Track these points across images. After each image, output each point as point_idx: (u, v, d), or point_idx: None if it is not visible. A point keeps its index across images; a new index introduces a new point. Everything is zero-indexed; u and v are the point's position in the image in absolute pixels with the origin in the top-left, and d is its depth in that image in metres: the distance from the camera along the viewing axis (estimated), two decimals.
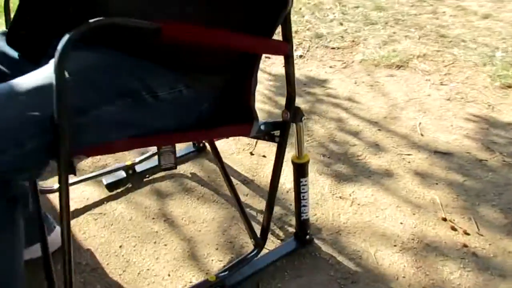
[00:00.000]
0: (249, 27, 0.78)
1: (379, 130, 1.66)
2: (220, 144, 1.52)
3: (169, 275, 1.06)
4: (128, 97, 0.70)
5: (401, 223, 1.18)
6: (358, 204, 1.26)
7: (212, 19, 0.74)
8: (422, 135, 1.61)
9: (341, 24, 3.02)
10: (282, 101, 1.02)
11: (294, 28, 2.98)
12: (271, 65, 2.38)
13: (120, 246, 1.16)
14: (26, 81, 0.64)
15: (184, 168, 1.46)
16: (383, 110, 1.80)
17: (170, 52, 0.73)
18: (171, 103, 0.76)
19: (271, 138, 0.93)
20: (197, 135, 0.84)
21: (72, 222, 1.25)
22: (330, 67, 2.32)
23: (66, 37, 0.56)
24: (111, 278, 1.06)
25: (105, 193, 1.37)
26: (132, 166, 1.43)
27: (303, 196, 1.02)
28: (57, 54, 0.56)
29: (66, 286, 0.71)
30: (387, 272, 1.03)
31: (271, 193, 0.96)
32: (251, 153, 1.55)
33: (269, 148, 1.57)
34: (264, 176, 1.42)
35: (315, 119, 1.76)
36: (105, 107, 0.67)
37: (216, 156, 1.17)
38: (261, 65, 2.30)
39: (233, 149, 1.59)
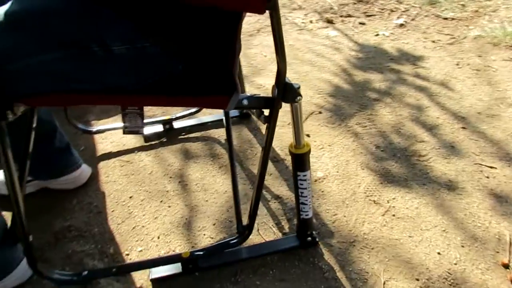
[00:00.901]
0: None
1: (463, 128, 1.31)
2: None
3: (158, 237, 1.02)
4: (72, 48, 0.62)
5: (439, 254, 0.91)
6: (393, 215, 1.02)
7: None
8: None
9: None
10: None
11: None
12: (360, 33, 2.08)
13: (130, 197, 1.16)
14: None
15: (220, 133, 1.37)
16: (481, 104, 1.42)
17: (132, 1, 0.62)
18: (130, 60, 0.65)
19: (263, 119, 0.77)
20: (166, 100, 0.73)
21: (102, 163, 1.29)
22: (433, 41, 1.92)
23: None
24: (109, 225, 1.07)
25: (140, 143, 1.38)
26: (169, 121, 1.41)
27: (301, 193, 0.85)
28: None
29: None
30: None
31: (259, 180, 0.81)
32: None
33: (316, 128, 1.37)
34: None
35: (386, 102, 1.48)
36: (41, 56, 0.60)
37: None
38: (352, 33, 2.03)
39: (279, 121, 1.43)
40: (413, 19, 2.23)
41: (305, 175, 0.83)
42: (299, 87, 0.72)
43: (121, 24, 0.63)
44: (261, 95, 0.76)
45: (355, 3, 2.53)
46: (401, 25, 2.18)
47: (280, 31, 0.65)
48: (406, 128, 1.33)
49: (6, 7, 0.60)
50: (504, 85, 1.52)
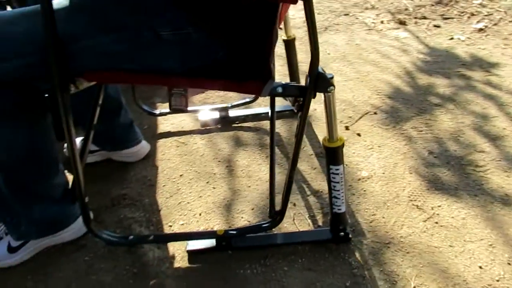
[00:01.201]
0: None
1: None
2: (321, 108, 1.40)
3: (200, 214, 1.09)
4: (125, 32, 0.69)
5: (481, 268, 0.86)
6: (436, 223, 0.98)
7: None
8: None
9: None
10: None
11: None
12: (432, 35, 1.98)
13: (181, 175, 1.25)
14: (36, 6, 0.70)
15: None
16: None
17: None
18: (176, 44, 0.71)
19: (297, 108, 0.79)
20: (206, 84, 0.78)
21: (160, 142, 1.40)
22: None
23: None
24: (158, 198, 1.17)
25: (196, 127, 1.47)
26: (226, 110, 1.48)
27: (334, 186, 0.85)
28: None
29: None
30: None
31: (291, 167, 0.83)
32: (347, 128, 1.37)
33: (368, 128, 1.35)
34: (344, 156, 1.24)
35: (448, 108, 1.40)
36: (99, 37, 0.69)
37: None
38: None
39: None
40: (495, 24, 2.07)
41: (337, 169, 0.83)
42: (332, 77, 0.73)
43: (169, 11, 0.69)
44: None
45: (433, 5, 2.41)
46: (480, 29, 2.03)
47: (313, 20, 0.66)
48: (466, 137, 1.26)
49: None
50: None
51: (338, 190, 0.85)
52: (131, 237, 0.96)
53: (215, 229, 1.04)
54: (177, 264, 0.96)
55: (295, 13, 2.32)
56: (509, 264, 0.86)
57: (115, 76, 0.74)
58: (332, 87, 0.73)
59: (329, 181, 0.86)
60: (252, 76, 0.73)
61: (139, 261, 0.98)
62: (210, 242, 0.97)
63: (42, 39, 0.65)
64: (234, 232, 0.93)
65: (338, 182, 0.84)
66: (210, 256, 0.96)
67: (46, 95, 0.76)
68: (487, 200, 1.02)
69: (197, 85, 0.77)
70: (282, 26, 1.34)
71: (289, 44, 1.34)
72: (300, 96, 0.75)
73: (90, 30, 0.68)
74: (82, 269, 0.98)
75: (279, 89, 0.73)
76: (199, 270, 0.94)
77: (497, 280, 0.83)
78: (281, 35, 1.36)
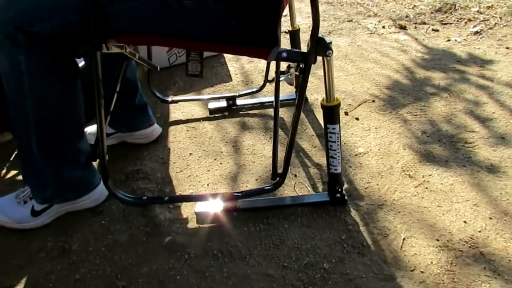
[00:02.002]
0: None
1: None
2: (322, 95, 1.49)
3: (208, 185, 1.19)
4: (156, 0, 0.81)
5: (465, 222, 0.93)
6: (426, 188, 1.06)
7: None
8: None
9: None
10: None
11: (490, 3, 2.49)
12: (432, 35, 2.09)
13: (190, 154, 1.35)
14: None
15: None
16: None
17: None
18: (196, 13, 0.83)
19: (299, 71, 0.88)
20: (221, 48, 0.88)
21: (172, 127, 1.51)
22: (507, 47, 1.86)
23: None
24: (169, 172, 1.26)
25: (206, 114, 1.58)
26: (233, 98, 1.59)
27: (331, 146, 0.94)
28: None
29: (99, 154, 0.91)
30: (404, 259, 0.86)
31: (291, 134, 0.92)
32: (346, 113, 1.46)
33: (366, 113, 1.45)
34: (342, 136, 1.33)
35: (442, 97, 1.49)
36: (132, 2, 0.81)
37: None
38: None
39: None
40: (490, 28, 2.17)
41: (334, 128, 0.92)
42: (330, 42, 0.83)
43: None
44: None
45: (432, 13, 2.53)
46: (476, 32, 2.13)
47: None
48: (458, 119, 1.34)
49: None
50: None
51: (335, 150, 0.94)
52: (144, 197, 1.06)
53: None
54: (186, 224, 1.05)
55: (301, 20, 2.46)
56: (490, 218, 0.93)
57: (142, 39, 0.85)
58: (330, 51, 0.83)
59: (327, 141, 0.94)
60: (260, 43, 0.83)
61: (151, 222, 1.07)
62: (216, 205, 1.05)
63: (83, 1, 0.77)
64: (240, 194, 1.02)
65: (334, 142, 0.93)
66: (216, 217, 1.05)
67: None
68: (474, 169, 1.10)
69: (213, 49, 0.88)
70: (287, 17, 1.46)
71: (294, 35, 1.45)
72: (302, 61, 0.84)
73: None
74: (99, 231, 1.07)
75: (284, 54, 0.83)
76: (207, 229, 1.03)
77: (479, 231, 0.90)
78: (287, 27, 1.48)
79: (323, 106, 0.93)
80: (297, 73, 0.91)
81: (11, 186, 1.30)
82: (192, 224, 1.05)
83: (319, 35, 0.83)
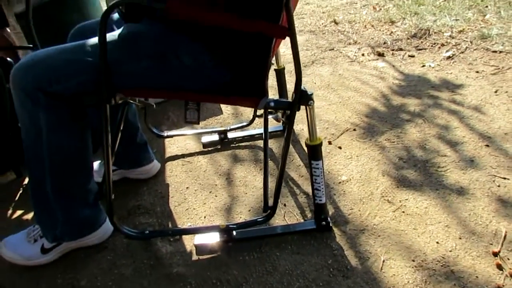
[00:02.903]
0: (254, 13, 0.87)
1: (486, 146, 1.41)
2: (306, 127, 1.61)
3: (204, 217, 1.28)
4: (157, 59, 0.93)
5: (437, 243, 1.04)
6: (403, 212, 1.17)
7: (220, 4, 0.87)
8: None
9: None
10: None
11: (462, 27, 2.66)
12: (409, 64, 2.24)
13: (187, 188, 1.45)
14: (91, 39, 0.94)
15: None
16: (509, 126, 1.50)
17: (199, 29, 0.92)
18: (194, 69, 0.95)
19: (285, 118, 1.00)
20: (216, 99, 1.00)
21: (168, 162, 1.62)
22: (477, 72, 2.01)
23: (106, 9, 0.82)
24: (168, 206, 1.36)
25: (199, 148, 1.68)
26: (225, 132, 1.70)
27: (315, 179, 1.05)
28: (102, 18, 0.83)
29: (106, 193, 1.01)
30: (384, 280, 0.96)
31: (280, 170, 1.03)
32: (329, 142, 1.58)
33: (348, 142, 1.56)
34: (327, 165, 1.45)
35: (417, 123, 1.62)
36: (137, 63, 0.92)
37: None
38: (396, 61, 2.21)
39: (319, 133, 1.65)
40: (462, 52, 2.33)
41: (317, 164, 1.03)
42: (312, 94, 0.95)
43: (191, 45, 0.93)
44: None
45: (408, 38, 2.70)
46: (449, 57, 2.29)
47: (297, 51, 0.88)
48: (431, 144, 1.47)
49: (120, 30, 0.93)
50: None
51: (319, 183, 1.05)
52: (146, 231, 1.15)
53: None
54: (186, 256, 1.14)
55: (285, 50, 2.60)
56: (460, 238, 1.04)
57: (146, 93, 0.97)
58: (312, 101, 0.94)
59: (311, 175, 1.06)
60: (251, 93, 0.95)
61: (154, 256, 1.16)
62: (214, 236, 1.15)
63: (96, 63, 0.88)
64: (235, 225, 1.12)
65: (318, 176, 1.04)
66: (214, 248, 1.14)
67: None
68: (445, 193, 1.21)
69: (209, 100, 0.99)
70: (273, 59, 1.59)
71: (280, 73, 1.59)
72: (288, 108, 0.96)
73: (130, 57, 0.92)
74: (106, 266, 1.16)
75: (272, 103, 0.95)
76: (205, 259, 1.12)
77: (450, 251, 1.01)
78: (273, 66, 1.61)
79: (307, 145, 1.04)
80: (283, 119, 1.02)
81: (19, 224, 1.39)
82: (192, 255, 1.14)
83: (302, 87, 0.94)
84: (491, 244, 1.01)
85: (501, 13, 2.85)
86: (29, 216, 1.46)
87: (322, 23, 3.43)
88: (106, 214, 1.10)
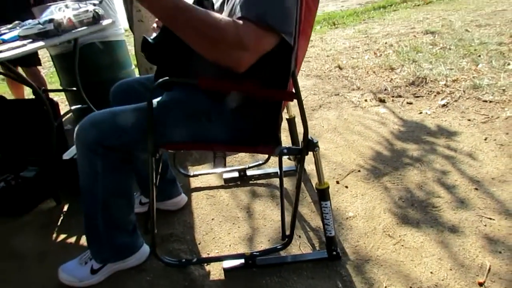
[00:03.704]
0: (267, 82, 1.10)
1: (476, 189, 1.62)
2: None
3: (230, 245, 1.48)
4: (192, 119, 1.16)
5: (431, 273, 1.23)
6: (402, 246, 1.36)
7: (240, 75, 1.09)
8: None
9: None
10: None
11: (456, 76, 2.93)
12: (408, 110, 2.49)
13: (212, 219, 1.65)
14: (140, 104, 1.18)
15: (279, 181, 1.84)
16: (496, 172, 1.71)
17: (224, 95, 1.15)
18: (220, 125, 1.17)
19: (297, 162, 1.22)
20: (239, 149, 1.23)
21: (194, 195, 1.82)
22: (469, 120, 2.25)
23: (154, 85, 1.06)
24: (197, 235, 1.55)
25: (221, 183, 1.89)
26: (244, 170, 1.92)
27: (325, 216, 1.26)
28: (150, 91, 1.06)
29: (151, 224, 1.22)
30: None
31: (294, 205, 1.24)
32: (337, 182, 1.79)
33: (354, 182, 1.78)
34: (335, 202, 1.65)
35: (415, 166, 1.84)
36: (177, 123, 1.15)
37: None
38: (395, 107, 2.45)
39: (326, 175, 1.86)
40: (455, 101, 2.58)
41: (326, 204, 1.24)
42: (317, 142, 1.17)
43: (217, 106, 1.16)
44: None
45: (407, 86, 2.97)
46: (444, 105, 2.54)
47: (303, 109, 1.10)
48: (427, 186, 1.68)
49: (162, 97, 1.17)
50: None
51: (328, 219, 1.25)
52: (183, 260, 1.34)
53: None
54: (216, 278, 1.33)
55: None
56: (451, 270, 1.23)
57: (184, 146, 1.19)
58: (317, 148, 1.16)
59: (322, 213, 1.26)
60: (267, 143, 1.17)
61: (189, 278, 1.34)
62: (239, 262, 1.34)
63: (144, 125, 1.11)
64: (257, 253, 1.32)
65: (327, 213, 1.25)
66: (240, 272, 1.33)
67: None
68: (439, 230, 1.41)
69: (233, 150, 1.21)
70: (285, 110, 1.83)
71: (291, 122, 1.82)
72: (298, 154, 1.18)
73: (172, 119, 1.15)
74: (145, 285, 1.34)
75: (285, 150, 1.17)
76: (233, 282, 1.30)
77: (442, 280, 1.20)
78: (285, 116, 1.85)
79: (317, 189, 1.25)
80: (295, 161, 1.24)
81: (63, 246, 1.58)
82: (221, 278, 1.33)
83: (309, 137, 1.17)
84: (477, 275, 1.20)
85: (492, 62, 3.14)
86: (71, 239, 1.66)
87: (327, 68, 3.72)
88: (150, 246, 1.30)
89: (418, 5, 6.83)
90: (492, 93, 2.55)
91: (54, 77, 5.24)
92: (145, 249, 1.43)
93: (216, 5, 1.20)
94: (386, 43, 4.38)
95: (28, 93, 3.56)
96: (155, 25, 1.25)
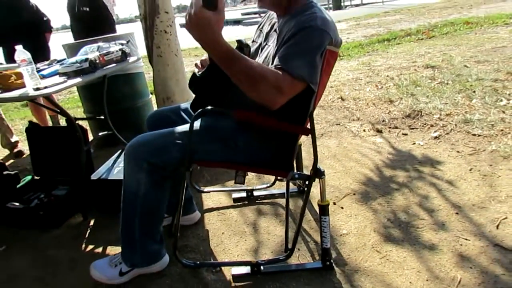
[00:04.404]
0: (288, 118, 1.36)
1: (456, 213, 1.83)
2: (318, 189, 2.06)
3: (238, 255, 1.70)
4: (222, 143, 1.41)
5: (410, 283, 1.44)
6: (387, 259, 1.57)
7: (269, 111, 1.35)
8: (497, 227, 1.70)
9: (504, 112, 3.00)
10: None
11: (450, 111, 3.16)
12: (404, 141, 2.72)
13: (222, 233, 1.88)
14: (185, 126, 1.43)
15: (283, 201, 2.07)
16: (476, 199, 1.93)
17: (251, 125, 1.40)
18: (245, 149, 1.42)
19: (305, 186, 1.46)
20: (259, 170, 1.48)
21: (206, 213, 2.05)
22: (457, 151, 2.47)
23: (197, 112, 1.32)
24: (209, 247, 1.78)
25: (231, 202, 2.13)
26: (251, 191, 2.16)
27: (323, 229, 1.48)
28: (193, 118, 1.32)
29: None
30: None
31: (299, 222, 1.47)
32: (334, 203, 2.02)
33: (349, 204, 2.00)
34: (332, 221, 1.87)
35: (403, 192, 2.06)
36: (210, 145, 1.41)
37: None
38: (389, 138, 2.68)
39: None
40: (447, 133, 2.82)
41: (325, 218, 1.47)
42: (323, 171, 1.41)
43: (244, 133, 1.41)
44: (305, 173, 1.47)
45: (403, 118, 3.21)
46: (436, 137, 2.78)
47: (315, 143, 1.36)
48: (413, 210, 1.90)
49: (200, 121, 1.43)
50: (502, 188, 2.01)
51: (326, 232, 1.48)
52: (198, 262, 1.57)
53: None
54: (226, 283, 1.54)
55: None
56: (427, 280, 1.44)
57: (212, 164, 1.45)
58: (323, 176, 1.41)
59: (321, 226, 1.49)
60: (282, 168, 1.42)
61: (202, 282, 1.56)
62: (246, 269, 1.56)
63: (183, 145, 1.36)
64: (263, 262, 1.54)
65: (326, 227, 1.47)
66: (247, 278, 1.55)
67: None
68: (420, 247, 1.62)
69: (253, 171, 1.46)
70: None
71: (298, 148, 2.07)
72: (307, 179, 1.42)
73: (207, 141, 1.40)
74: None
75: (296, 175, 1.41)
76: (240, 286, 1.52)
77: None
78: None
79: (319, 205, 1.49)
80: (301, 187, 1.47)
81: (91, 255, 1.81)
82: (230, 282, 1.54)
83: (318, 166, 1.41)
84: (449, 286, 1.41)
85: (485, 98, 3.37)
86: (98, 250, 1.89)
87: (330, 99, 4.00)
88: (173, 250, 1.53)
89: (421, 39, 7.14)
90: (481, 127, 2.77)
91: (70, 103, 5.59)
92: (167, 258, 1.65)
93: (252, 49, 1.48)
94: (387, 76, 4.67)
95: (48, 117, 3.88)
96: (198, 62, 1.52)
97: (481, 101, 3.32)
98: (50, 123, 3.93)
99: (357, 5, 23.60)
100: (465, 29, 7.33)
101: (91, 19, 3.57)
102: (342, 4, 23.73)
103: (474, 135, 2.70)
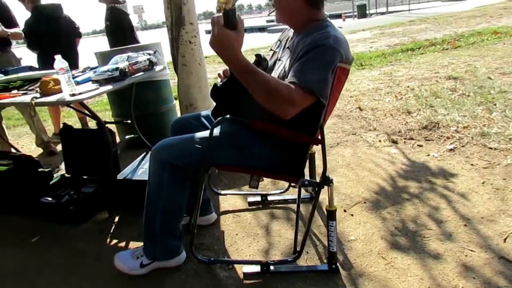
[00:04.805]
0: (301, 128, 1.47)
1: (465, 225, 1.87)
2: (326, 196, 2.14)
3: (250, 255, 1.80)
4: (238, 149, 1.52)
5: None
6: (392, 266, 1.64)
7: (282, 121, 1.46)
8: (505, 241, 1.74)
9: None
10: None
11: (467, 123, 3.17)
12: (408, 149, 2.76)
13: (236, 234, 1.99)
14: (205, 132, 1.56)
15: (295, 206, 2.16)
16: (486, 211, 1.96)
17: (265, 133, 1.52)
18: (259, 156, 1.53)
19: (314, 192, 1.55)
20: (272, 176, 1.58)
21: (222, 214, 2.17)
22: (472, 164, 2.50)
23: (217, 120, 1.45)
24: (223, 245, 1.89)
25: (246, 206, 2.24)
26: (266, 195, 2.26)
27: (330, 234, 1.57)
28: (212, 126, 1.45)
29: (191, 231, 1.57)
30: None
31: (307, 226, 1.57)
32: (345, 210, 2.10)
33: (359, 211, 2.08)
34: (341, 227, 1.95)
35: (414, 202, 2.12)
36: (227, 150, 1.53)
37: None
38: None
39: (335, 203, 2.17)
40: (463, 146, 2.83)
41: (332, 223, 1.56)
42: (332, 179, 1.51)
43: (258, 140, 1.53)
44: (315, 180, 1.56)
45: (420, 129, 3.24)
46: (451, 149, 2.80)
47: (325, 152, 1.45)
48: (421, 220, 1.95)
49: (219, 128, 1.55)
50: None
51: (333, 236, 1.57)
52: (212, 259, 1.69)
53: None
54: (237, 280, 1.65)
55: None
56: (429, 287, 1.50)
57: (228, 168, 1.56)
58: (332, 184, 1.50)
59: (328, 231, 1.58)
60: (293, 174, 1.52)
61: (215, 278, 1.67)
62: (256, 268, 1.66)
63: (204, 149, 1.49)
64: (272, 262, 1.64)
65: (332, 231, 1.56)
66: (257, 276, 1.65)
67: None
68: (425, 256, 1.68)
69: (267, 176, 1.56)
70: None
71: (311, 156, 2.16)
72: (317, 186, 1.52)
73: (225, 147, 1.52)
74: (180, 282, 1.68)
75: (306, 182, 1.51)
76: (250, 284, 1.62)
77: None
78: None
79: (327, 210, 1.58)
80: (312, 194, 1.57)
81: (115, 249, 1.95)
82: (241, 280, 1.65)
83: (327, 174, 1.50)
84: None
85: (506, 112, 3.36)
86: (121, 244, 2.03)
87: (349, 108, 4.06)
88: (189, 246, 1.65)
89: (446, 49, 7.05)
90: (498, 141, 2.78)
91: (98, 106, 5.86)
92: (184, 255, 1.77)
93: (270, 62, 1.60)
94: (408, 86, 4.68)
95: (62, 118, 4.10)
96: (221, 72, 1.65)
97: (501, 114, 3.30)
98: (61, 125, 4.19)
99: (382, 13, 23.42)
100: (493, 39, 7.20)
101: (109, 32, 4.10)
102: (367, 12, 23.62)
103: (490, 148, 2.71)
